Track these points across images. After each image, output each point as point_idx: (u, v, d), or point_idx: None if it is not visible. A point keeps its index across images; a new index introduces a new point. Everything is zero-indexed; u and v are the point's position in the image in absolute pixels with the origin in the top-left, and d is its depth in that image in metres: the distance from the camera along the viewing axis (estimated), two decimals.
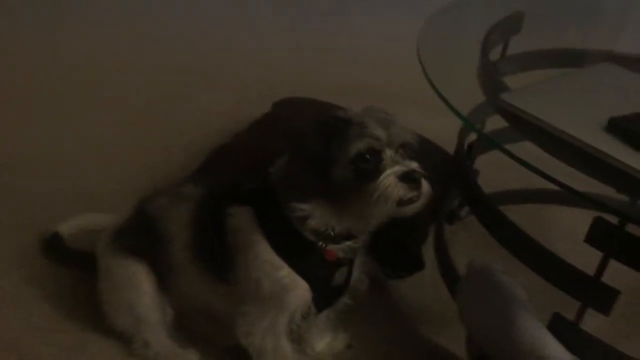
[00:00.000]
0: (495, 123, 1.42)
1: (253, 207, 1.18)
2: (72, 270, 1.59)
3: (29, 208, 1.85)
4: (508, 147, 1.26)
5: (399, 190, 1.05)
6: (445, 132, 1.77)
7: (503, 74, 1.55)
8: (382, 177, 1.04)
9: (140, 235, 1.34)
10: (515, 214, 1.52)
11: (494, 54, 1.63)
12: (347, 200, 1.08)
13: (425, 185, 1.07)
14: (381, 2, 3.78)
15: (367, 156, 1.05)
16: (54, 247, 1.57)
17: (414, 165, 1.07)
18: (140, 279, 1.34)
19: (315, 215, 1.12)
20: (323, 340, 1.45)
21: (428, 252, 1.71)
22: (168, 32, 3.23)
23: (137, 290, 1.34)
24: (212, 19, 3.42)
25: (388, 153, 1.06)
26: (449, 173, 1.71)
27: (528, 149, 1.22)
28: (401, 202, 1.06)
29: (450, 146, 1.75)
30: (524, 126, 1.24)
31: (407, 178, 1.05)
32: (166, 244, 1.30)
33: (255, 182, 1.21)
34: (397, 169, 1.05)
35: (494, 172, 1.90)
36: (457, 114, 1.34)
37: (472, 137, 1.65)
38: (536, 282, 1.29)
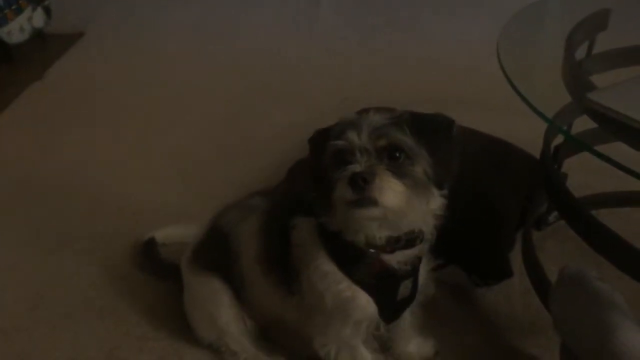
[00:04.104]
0: (582, 124, 1.37)
1: (315, 218, 1.17)
2: (164, 283, 1.66)
3: (122, 222, 1.95)
4: (597, 148, 1.22)
5: (343, 193, 1.00)
6: (529, 136, 1.72)
7: (589, 73, 1.50)
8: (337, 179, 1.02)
9: (215, 250, 1.37)
10: (608, 218, 1.46)
11: (579, 54, 1.58)
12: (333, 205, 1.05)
13: (379, 190, 0.98)
14: (453, 10, 3.74)
15: (338, 158, 1.03)
16: (148, 253, 1.65)
17: (369, 168, 1.00)
18: (218, 293, 1.37)
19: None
20: (412, 342, 1.44)
21: (516, 259, 1.66)
22: (240, 50, 3.31)
23: (216, 304, 1.38)
24: (283, 34, 3.49)
25: (360, 156, 1.01)
26: (535, 177, 1.66)
27: (619, 150, 1.18)
28: (351, 205, 1.00)
29: (535, 150, 1.70)
30: (614, 126, 1.19)
31: (352, 180, 0.99)
32: (238, 257, 1.33)
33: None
34: (349, 170, 1.00)
35: (583, 176, 1.84)
36: (542, 116, 1.31)
37: (559, 139, 1.60)
38: (634, 290, 1.23)
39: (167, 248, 1.73)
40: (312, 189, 1.14)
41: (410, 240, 1.11)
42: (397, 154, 1.02)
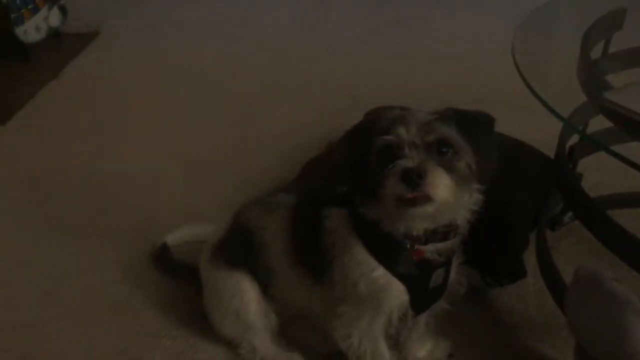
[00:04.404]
0: (597, 124, 1.36)
1: (347, 209, 1.19)
2: (178, 280, 1.66)
3: (134, 219, 1.96)
4: (613, 148, 1.21)
5: (395, 189, 1.00)
6: (543, 135, 1.71)
7: (605, 73, 1.49)
8: (387, 174, 1.02)
9: (239, 246, 1.38)
10: (624, 218, 1.45)
11: (595, 53, 1.57)
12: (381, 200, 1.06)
13: (432, 186, 0.99)
14: (462, 7, 3.72)
15: (386, 153, 1.03)
16: (162, 257, 1.66)
17: (421, 163, 1.00)
18: (245, 288, 1.38)
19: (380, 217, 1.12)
20: (424, 348, 1.44)
21: (530, 259, 1.65)
22: (247, 49, 3.31)
23: (243, 299, 1.38)
24: (289, 34, 3.48)
25: (409, 151, 1.02)
26: (549, 177, 1.65)
27: (635, 150, 1.17)
28: (403, 203, 1.01)
29: (549, 149, 1.70)
30: (630, 125, 1.19)
31: (405, 176, 0.99)
32: (264, 252, 1.34)
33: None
34: (400, 165, 1.00)
35: (598, 175, 1.83)
36: (558, 115, 1.30)
37: (574, 139, 1.59)
38: None
39: (179, 248, 1.74)
40: (346, 183, 1.16)
41: (445, 233, 1.13)
42: (445, 149, 1.03)
